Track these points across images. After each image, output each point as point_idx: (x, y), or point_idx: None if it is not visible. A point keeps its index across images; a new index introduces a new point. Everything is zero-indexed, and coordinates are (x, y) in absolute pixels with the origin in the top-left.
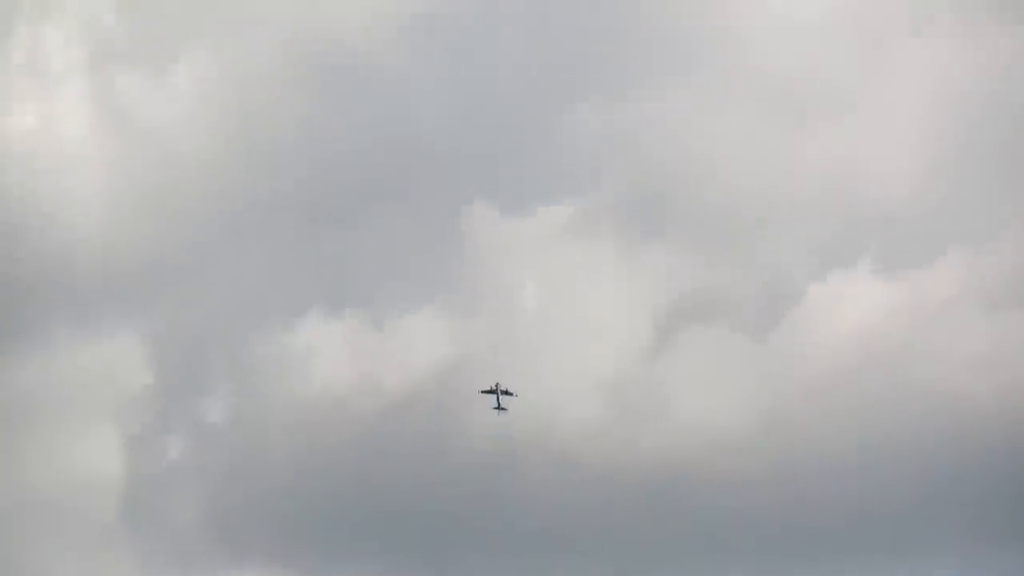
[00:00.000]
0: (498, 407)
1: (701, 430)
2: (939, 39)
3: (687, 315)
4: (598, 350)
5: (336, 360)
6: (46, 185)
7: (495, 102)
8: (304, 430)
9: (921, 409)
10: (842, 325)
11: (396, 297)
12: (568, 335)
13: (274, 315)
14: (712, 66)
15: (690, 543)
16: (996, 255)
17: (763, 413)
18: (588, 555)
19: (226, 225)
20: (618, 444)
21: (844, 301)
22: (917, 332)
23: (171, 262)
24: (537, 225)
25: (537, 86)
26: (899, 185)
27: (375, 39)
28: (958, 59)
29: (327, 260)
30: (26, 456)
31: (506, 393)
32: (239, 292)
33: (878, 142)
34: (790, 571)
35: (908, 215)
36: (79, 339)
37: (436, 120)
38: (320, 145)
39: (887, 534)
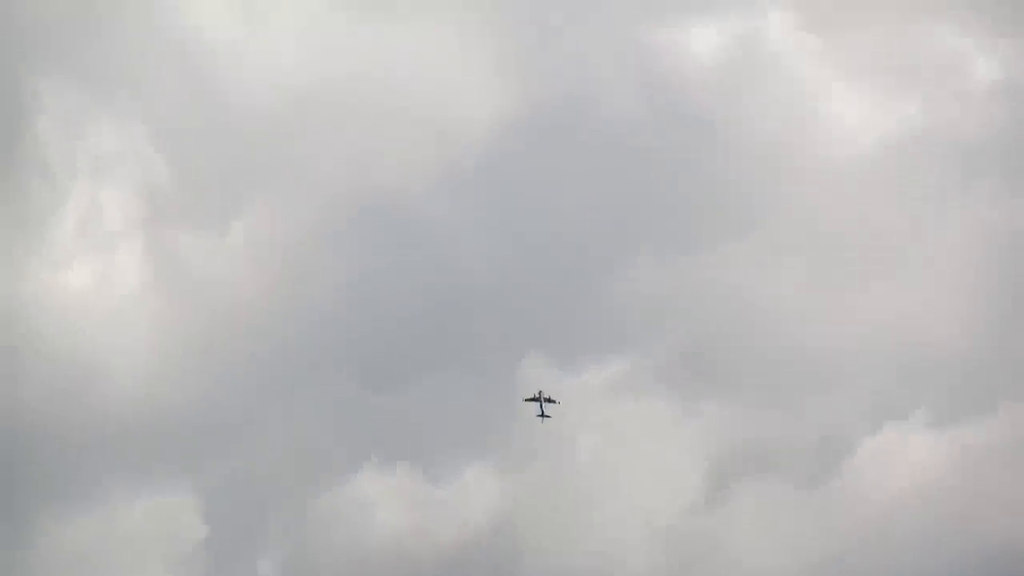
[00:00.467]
0: (542, 415)
1: None
2: (989, 193)
3: (741, 467)
4: (653, 502)
5: (391, 514)
6: (101, 342)
7: (549, 255)
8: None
9: (975, 561)
10: (896, 478)
11: (450, 450)
12: (623, 487)
13: (328, 470)
14: (765, 221)
15: None
16: None
17: (817, 565)
18: None
19: (280, 380)
20: None
21: (897, 453)
22: (970, 484)
23: (225, 417)
24: (591, 379)
25: (592, 239)
26: (952, 338)
27: (426, 193)
28: (1008, 214)
29: (381, 414)
30: None
31: (549, 400)
32: (293, 447)
33: (930, 295)
34: None
35: (961, 368)
36: (133, 495)
37: (489, 274)
38: (373, 301)
39: None
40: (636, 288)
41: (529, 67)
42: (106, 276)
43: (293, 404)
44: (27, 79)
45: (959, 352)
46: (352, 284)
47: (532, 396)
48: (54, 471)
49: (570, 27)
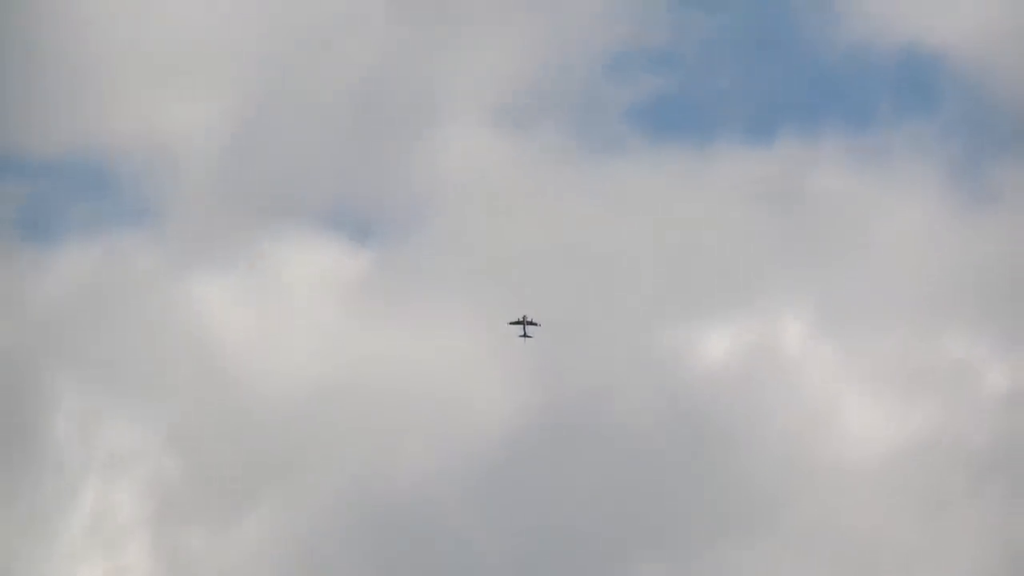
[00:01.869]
0: (524, 335)
1: None
2: (998, 501)
3: None
4: None
5: None
6: None
7: (560, 555)
8: None
9: None
10: None
11: None
12: None
13: None
14: (777, 525)
15: None
16: None
17: None
18: None
19: None
20: None
21: None
22: None
23: None
24: None
25: (604, 538)
26: None
27: (442, 493)
28: (1018, 522)
29: None
30: None
31: (531, 323)
32: None
33: None
34: None
35: None
36: None
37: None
38: None
39: None
40: None
41: (544, 367)
42: (116, 573)
43: None
44: (43, 374)
45: None
46: None
47: (517, 320)
48: None
49: (586, 326)
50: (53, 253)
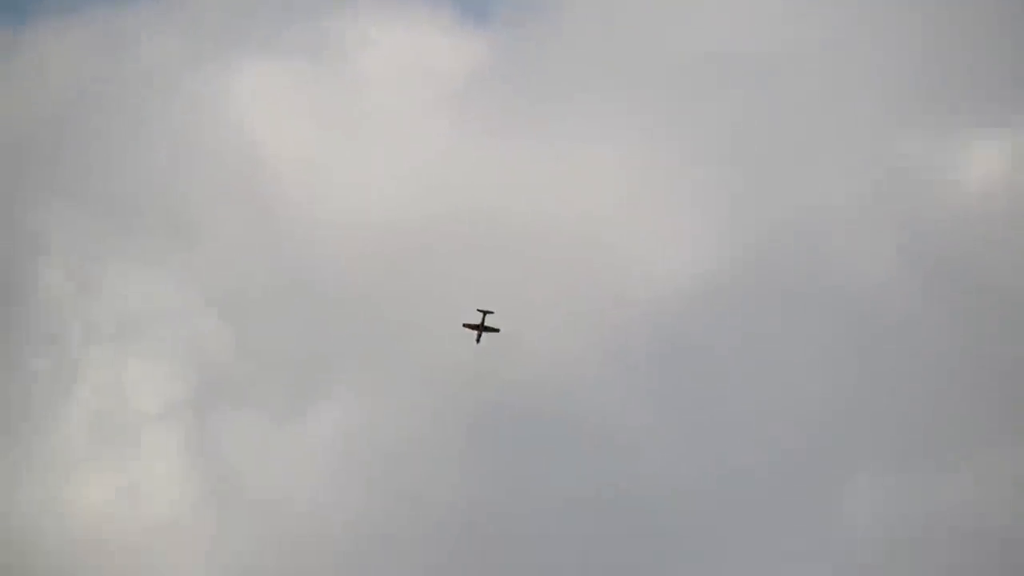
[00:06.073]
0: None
1: None
2: None
3: None
4: None
5: None
6: None
7: (759, 466)
8: None
9: None
10: None
11: None
12: None
13: None
14: None
15: None
16: None
17: None
18: None
19: None
20: None
21: None
22: None
23: None
24: None
25: (823, 446)
26: None
27: (588, 381)
28: None
29: None
30: None
31: (488, 329)
32: None
33: None
34: None
35: None
36: None
37: (676, 494)
38: (506, 529)
39: None
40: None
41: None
42: (135, 489)
43: None
44: (26, 212)
45: None
46: (480, 506)
47: (475, 324)
48: None
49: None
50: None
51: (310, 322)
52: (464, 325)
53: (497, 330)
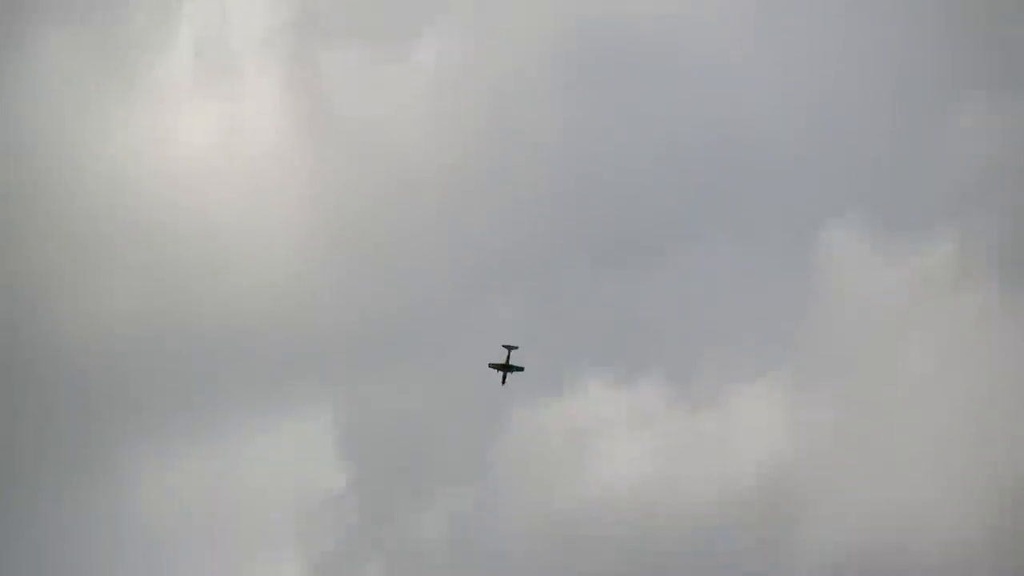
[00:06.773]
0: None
1: None
2: None
3: None
4: (992, 442)
5: (623, 450)
6: (224, 221)
7: (854, 97)
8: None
9: None
10: None
11: (714, 362)
12: (950, 420)
13: (528, 391)
14: None
15: None
16: None
17: None
18: None
19: (471, 269)
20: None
21: None
22: None
23: (387, 324)
24: (915, 260)
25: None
26: None
27: (691, 15)
28: None
29: (616, 309)
30: None
31: (512, 369)
32: (479, 360)
33: None
34: None
35: None
36: (257, 427)
37: (773, 121)
38: (608, 156)
39: None
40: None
41: None
42: (235, 122)
43: (486, 300)
44: None
45: None
46: (584, 132)
47: (500, 364)
48: (147, 400)
49: None
50: None
51: None
52: (490, 365)
53: (522, 368)
